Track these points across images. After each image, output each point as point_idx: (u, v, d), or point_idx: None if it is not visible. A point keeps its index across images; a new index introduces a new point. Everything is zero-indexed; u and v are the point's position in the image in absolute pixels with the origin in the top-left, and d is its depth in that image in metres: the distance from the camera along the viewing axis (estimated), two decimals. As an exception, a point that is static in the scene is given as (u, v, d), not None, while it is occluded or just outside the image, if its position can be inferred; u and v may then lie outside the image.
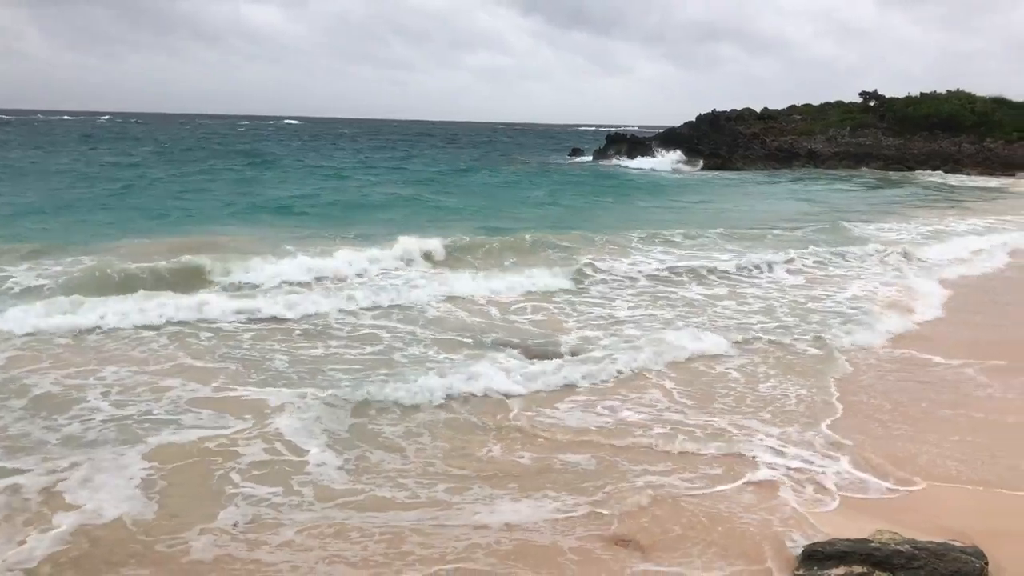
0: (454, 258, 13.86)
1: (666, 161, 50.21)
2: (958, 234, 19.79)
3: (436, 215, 21.15)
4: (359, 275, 12.21)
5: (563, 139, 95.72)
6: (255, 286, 11.31)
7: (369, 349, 8.83)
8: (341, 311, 10.26)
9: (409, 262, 13.21)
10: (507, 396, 7.46)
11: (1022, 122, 52.60)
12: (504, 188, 31.08)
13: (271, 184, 28.46)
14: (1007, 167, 47.53)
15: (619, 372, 8.18)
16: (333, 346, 8.92)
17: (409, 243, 13.66)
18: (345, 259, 12.57)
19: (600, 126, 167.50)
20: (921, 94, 57.92)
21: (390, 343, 9.06)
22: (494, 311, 10.72)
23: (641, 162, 50.52)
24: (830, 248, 16.44)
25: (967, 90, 57.99)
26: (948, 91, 58.08)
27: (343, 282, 11.74)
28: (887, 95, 58.70)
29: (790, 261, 14.72)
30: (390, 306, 10.66)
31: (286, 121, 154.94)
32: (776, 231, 19.17)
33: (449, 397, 7.30)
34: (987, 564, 4.51)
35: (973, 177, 44.91)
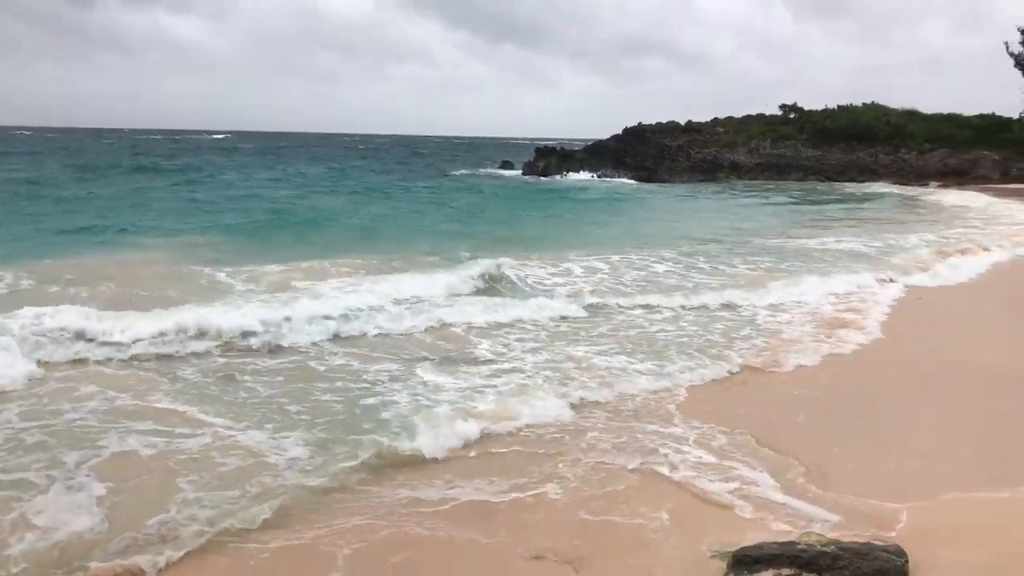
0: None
1: (594, 174, 50.87)
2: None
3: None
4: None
5: (493, 152, 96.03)
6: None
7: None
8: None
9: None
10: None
11: (934, 133, 54.69)
12: (431, 204, 30.91)
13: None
14: (920, 177, 49.37)
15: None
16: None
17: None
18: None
19: (530, 139, 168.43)
20: (838, 106, 59.79)
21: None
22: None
23: (573, 176, 51.12)
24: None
25: (882, 102, 60.16)
26: (864, 104, 60.11)
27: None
28: (806, 107, 60.39)
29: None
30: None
31: (215, 136, 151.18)
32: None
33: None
34: (907, 562, 4.64)
35: (889, 186, 46.48)
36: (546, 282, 13.74)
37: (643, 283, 13.84)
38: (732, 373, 8.82)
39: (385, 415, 7.17)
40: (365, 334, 9.95)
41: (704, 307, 11.89)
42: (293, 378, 8.24)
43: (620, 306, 11.82)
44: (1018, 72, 60.81)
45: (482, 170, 59.96)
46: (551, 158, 56.44)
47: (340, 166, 56.50)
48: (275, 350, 9.19)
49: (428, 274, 12.93)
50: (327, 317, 10.09)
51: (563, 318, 11.04)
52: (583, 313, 11.33)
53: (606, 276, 14.38)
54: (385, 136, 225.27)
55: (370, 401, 7.57)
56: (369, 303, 10.80)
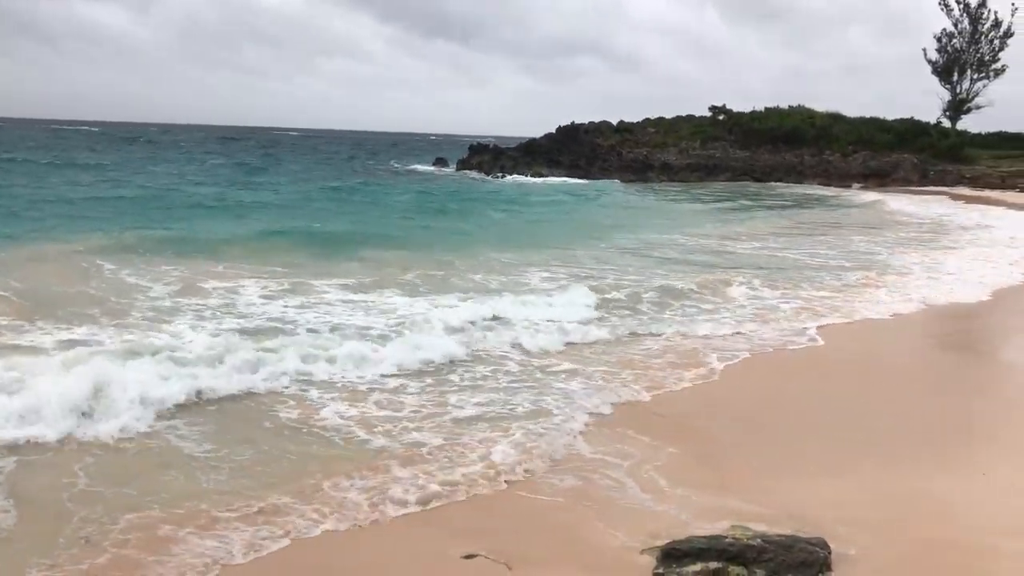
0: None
1: (531, 172, 51.03)
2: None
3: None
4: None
5: (426, 148, 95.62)
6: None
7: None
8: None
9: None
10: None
11: (857, 136, 56.38)
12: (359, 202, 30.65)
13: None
14: (844, 178, 50.87)
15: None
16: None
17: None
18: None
19: (463, 136, 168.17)
20: (766, 109, 61.15)
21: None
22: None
23: (507, 175, 51.14)
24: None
25: (807, 106, 61.77)
26: (790, 106, 61.62)
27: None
28: (735, 109, 61.62)
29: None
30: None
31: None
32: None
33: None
34: (831, 553, 4.78)
35: (815, 187, 47.73)
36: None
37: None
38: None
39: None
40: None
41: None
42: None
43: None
44: (936, 78, 63.20)
45: (419, 167, 59.66)
46: (485, 156, 56.44)
47: (262, 163, 55.14)
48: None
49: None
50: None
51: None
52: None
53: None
54: (318, 131, 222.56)
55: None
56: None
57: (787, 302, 12.83)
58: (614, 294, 12.66)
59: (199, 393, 7.38)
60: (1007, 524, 5.41)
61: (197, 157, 57.82)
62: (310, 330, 9.72)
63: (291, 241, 17.20)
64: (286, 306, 10.99)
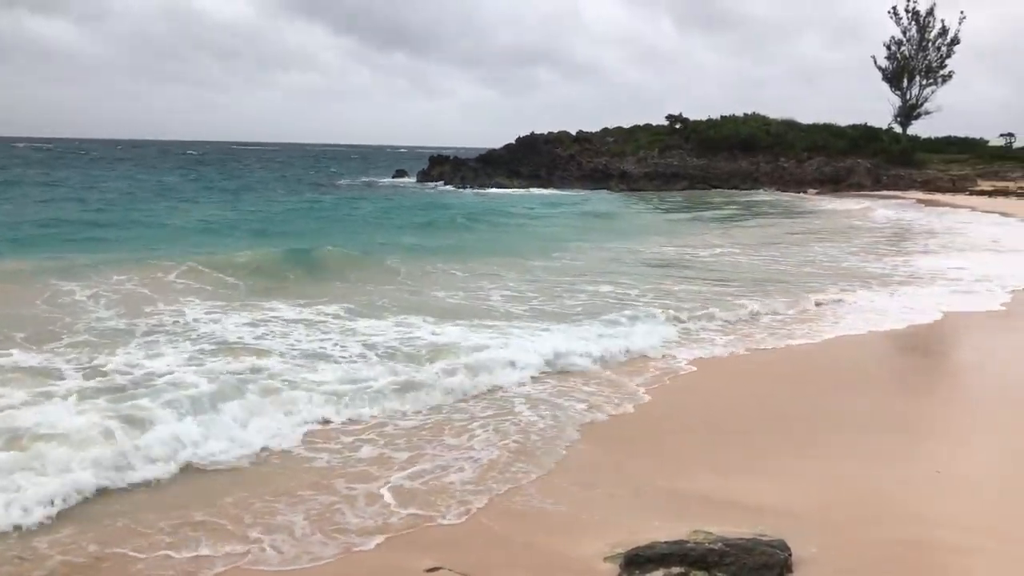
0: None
1: (492, 183, 51.15)
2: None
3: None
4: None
5: (385, 161, 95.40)
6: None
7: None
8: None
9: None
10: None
11: (811, 142, 57.35)
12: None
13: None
14: (799, 184, 51.65)
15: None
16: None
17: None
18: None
19: (422, 147, 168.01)
20: (722, 117, 61.98)
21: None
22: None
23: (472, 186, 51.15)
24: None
25: (762, 113, 62.72)
26: (745, 114, 62.52)
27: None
28: (692, 118, 62.32)
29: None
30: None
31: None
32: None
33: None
34: (791, 554, 4.83)
35: (771, 192, 48.38)
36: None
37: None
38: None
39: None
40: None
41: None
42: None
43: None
44: (886, 85, 64.47)
45: (381, 180, 59.45)
46: (445, 167, 56.47)
47: (212, 178, 54.60)
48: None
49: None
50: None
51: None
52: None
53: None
54: (274, 144, 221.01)
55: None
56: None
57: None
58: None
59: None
60: (961, 520, 5.51)
61: (144, 173, 57.08)
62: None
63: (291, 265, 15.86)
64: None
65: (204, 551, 5.00)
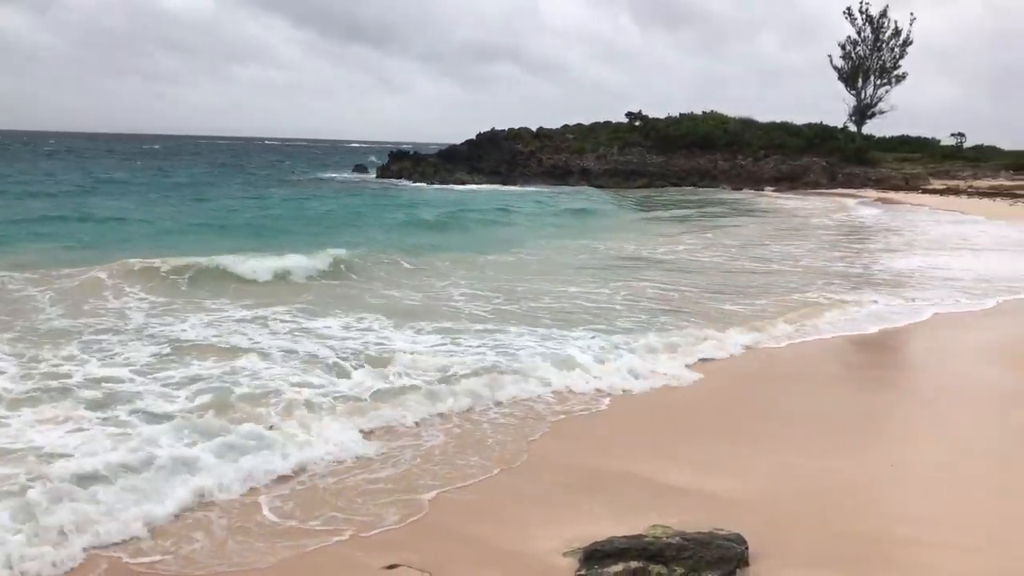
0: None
1: (452, 179, 50.95)
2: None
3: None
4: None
5: (345, 156, 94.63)
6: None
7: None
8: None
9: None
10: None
11: (768, 141, 58.05)
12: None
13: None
14: (756, 182, 52.23)
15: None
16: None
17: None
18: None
19: (383, 143, 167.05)
20: (680, 115, 62.45)
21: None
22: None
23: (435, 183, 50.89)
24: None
25: (720, 111, 63.31)
26: (704, 112, 63.06)
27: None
28: (652, 115, 62.70)
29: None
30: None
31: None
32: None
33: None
34: (747, 548, 4.87)
35: (730, 192, 48.84)
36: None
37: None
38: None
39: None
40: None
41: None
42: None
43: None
44: (842, 84, 65.49)
45: (337, 175, 58.87)
46: (405, 162, 56.15)
47: (189, 178, 53.71)
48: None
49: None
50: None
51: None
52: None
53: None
54: (233, 138, 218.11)
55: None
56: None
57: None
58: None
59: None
60: (914, 512, 5.61)
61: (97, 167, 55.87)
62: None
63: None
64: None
65: None
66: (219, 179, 48.61)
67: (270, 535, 5.20)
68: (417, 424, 7.32)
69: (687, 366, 9.35)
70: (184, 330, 10.11)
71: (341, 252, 15.74)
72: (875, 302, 13.40)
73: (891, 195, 44.36)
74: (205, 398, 7.48)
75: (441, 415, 7.55)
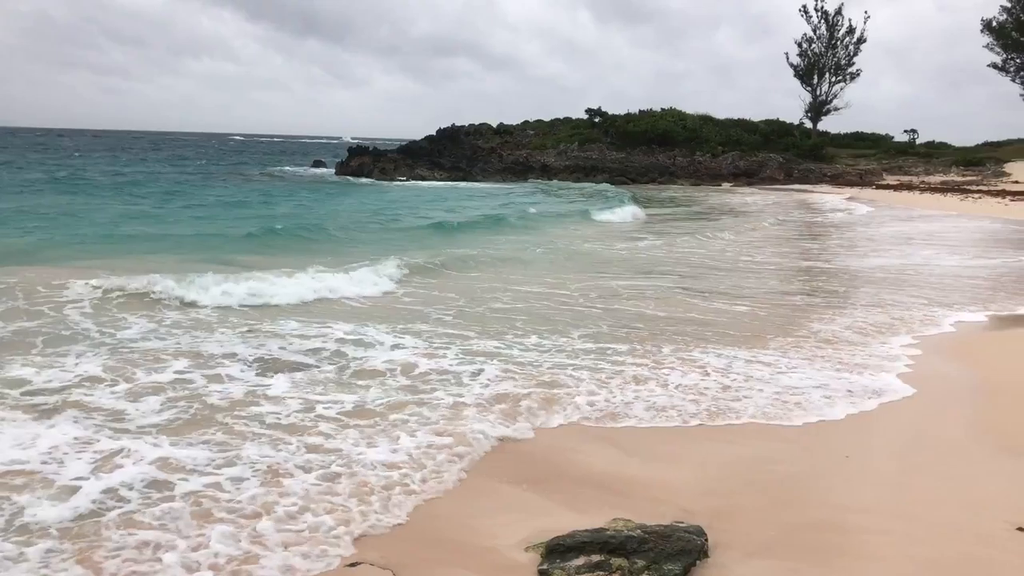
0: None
1: (412, 175, 50.77)
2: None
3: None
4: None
5: (303, 151, 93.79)
6: None
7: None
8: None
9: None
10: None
11: (725, 137, 58.81)
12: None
13: None
14: (714, 178, 52.86)
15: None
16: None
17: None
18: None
19: (341, 138, 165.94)
20: (639, 111, 63.00)
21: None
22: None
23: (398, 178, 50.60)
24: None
25: (679, 108, 63.99)
26: (663, 109, 63.66)
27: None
28: (611, 111, 63.19)
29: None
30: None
31: None
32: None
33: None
34: (707, 540, 4.95)
35: (686, 188, 49.31)
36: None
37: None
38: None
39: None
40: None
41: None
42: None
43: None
44: (797, 81, 66.46)
45: (297, 170, 58.24)
46: (365, 158, 55.83)
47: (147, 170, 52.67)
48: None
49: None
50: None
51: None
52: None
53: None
54: (187, 133, 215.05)
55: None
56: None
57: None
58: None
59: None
60: (869, 502, 5.73)
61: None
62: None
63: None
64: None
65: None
66: (161, 176, 45.97)
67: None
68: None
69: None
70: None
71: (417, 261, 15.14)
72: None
73: (869, 192, 44.59)
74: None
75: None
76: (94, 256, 15.20)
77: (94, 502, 5.35)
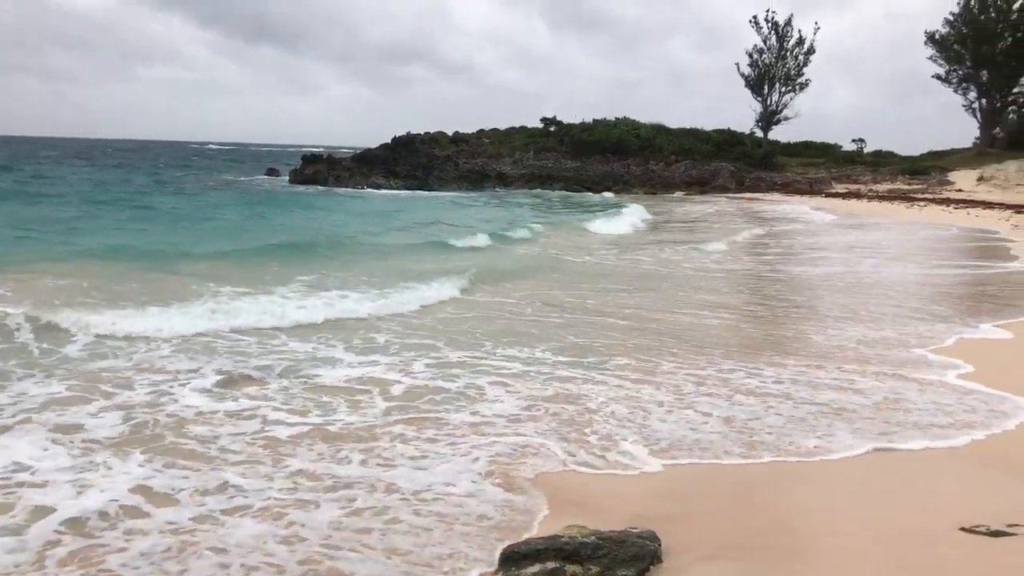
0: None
1: (367, 183, 50.49)
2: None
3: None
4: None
5: (257, 159, 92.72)
6: None
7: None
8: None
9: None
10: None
11: (678, 146, 59.47)
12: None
13: None
14: (668, 187, 53.41)
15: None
16: None
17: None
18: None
19: (295, 146, 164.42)
20: (594, 120, 63.47)
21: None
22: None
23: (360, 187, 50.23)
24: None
25: (633, 117, 64.65)
26: (617, 118, 64.20)
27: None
28: (566, 120, 63.57)
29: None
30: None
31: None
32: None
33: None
34: (660, 545, 5.00)
35: (640, 197, 49.71)
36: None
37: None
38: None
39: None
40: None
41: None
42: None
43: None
44: (749, 91, 67.53)
45: (251, 178, 57.56)
46: (319, 166, 55.38)
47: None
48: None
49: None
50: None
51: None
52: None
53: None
54: (137, 140, 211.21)
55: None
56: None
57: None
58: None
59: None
60: (824, 504, 5.83)
61: None
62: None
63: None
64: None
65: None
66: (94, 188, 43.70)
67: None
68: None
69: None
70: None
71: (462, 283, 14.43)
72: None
73: (831, 202, 44.18)
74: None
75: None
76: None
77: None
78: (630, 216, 31.61)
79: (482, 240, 21.79)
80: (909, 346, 10.74)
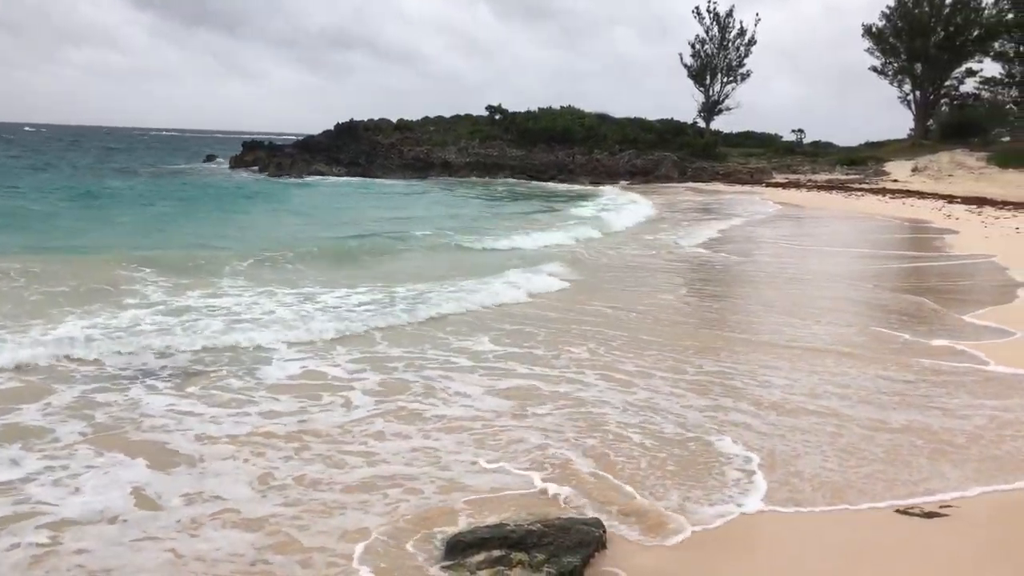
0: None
1: (309, 171, 49.75)
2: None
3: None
4: None
5: (196, 145, 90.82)
6: None
7: None
8: None
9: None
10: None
11: (622, 135, 59.83)
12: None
13: None
14: (612, 175, 53.70)
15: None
16: None
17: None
18: None
19: (235, 132, 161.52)
20: (539, 109, 63.47)
21: None
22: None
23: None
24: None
25: (578, 106, 64.75)
26: (562, 107, 64.30)
27: None
28: (511, 109, 63.42)
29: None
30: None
31: None
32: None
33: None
34: (605, 531, 5.03)
35: (584, 185, 49.88)
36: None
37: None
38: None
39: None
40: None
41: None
42: None
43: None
44: (691, 81, 68.20)
45: (187, 165, 56.31)
46: (260, 153, 54.47)
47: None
48: None
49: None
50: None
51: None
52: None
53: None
54: (69, 126, 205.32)
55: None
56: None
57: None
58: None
59: None
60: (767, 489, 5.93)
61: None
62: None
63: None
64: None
65: None
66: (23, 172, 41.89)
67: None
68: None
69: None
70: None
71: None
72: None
73: (778, 192, 44.02)
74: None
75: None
76: None
77: None
78: (642, 208, 31.62)
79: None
80: None
